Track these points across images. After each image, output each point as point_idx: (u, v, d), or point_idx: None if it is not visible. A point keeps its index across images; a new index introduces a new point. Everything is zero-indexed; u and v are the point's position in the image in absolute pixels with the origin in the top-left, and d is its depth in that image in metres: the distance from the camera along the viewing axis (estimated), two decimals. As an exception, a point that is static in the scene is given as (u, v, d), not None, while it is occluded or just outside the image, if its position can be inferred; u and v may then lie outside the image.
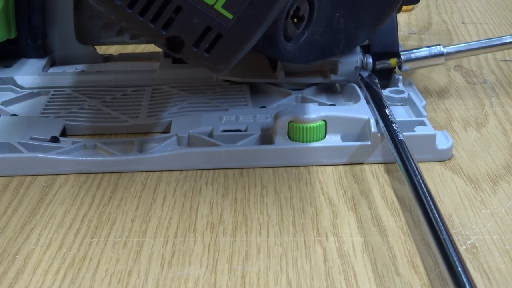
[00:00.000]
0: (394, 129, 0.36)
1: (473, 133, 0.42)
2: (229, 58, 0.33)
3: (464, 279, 0.25)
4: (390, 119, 0.37)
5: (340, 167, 0.39)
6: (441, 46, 0.45)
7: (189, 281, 0.29)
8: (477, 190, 0.36)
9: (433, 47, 0.45)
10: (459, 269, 0.26)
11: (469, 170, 0.38)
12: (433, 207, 0.30)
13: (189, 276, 0.30)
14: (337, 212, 0.34)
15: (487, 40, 0.47)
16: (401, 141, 0.35)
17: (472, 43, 0.47)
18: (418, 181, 0.32)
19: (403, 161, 0.34)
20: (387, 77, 0.47)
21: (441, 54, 0.45)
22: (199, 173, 0.38)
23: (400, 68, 0.46)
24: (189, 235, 0.32)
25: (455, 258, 0.27)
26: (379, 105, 0.39)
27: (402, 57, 0.45)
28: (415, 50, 0.46)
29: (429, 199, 0.30)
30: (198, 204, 0.35)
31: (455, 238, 0.31)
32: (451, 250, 0.27)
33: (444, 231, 0.28)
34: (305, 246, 0.31)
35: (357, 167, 0.39)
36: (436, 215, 0.29)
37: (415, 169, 0.33)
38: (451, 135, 0.41)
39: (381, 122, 0.38)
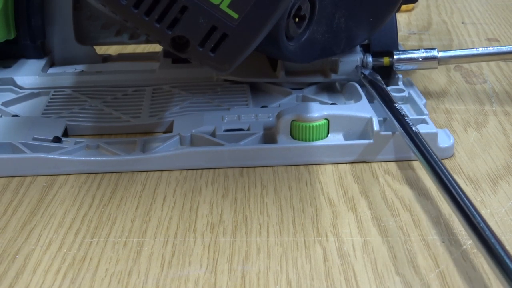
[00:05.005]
0: (407, 122, 0.37)
1: (473, 133, 0.42)
2: (234, 58, 0.33)
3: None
4: (402, 113, 0.38)
5: (340, 167, 0.39)
6: (436, 50, 0.45)
7: (189, 281, 0.29)
8: (477, 190, 0.36)
9: (428, 50, 0.45)
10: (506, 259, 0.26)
11: (469, 170, 0.38)
12: (461, 193, 0.30)
13: (189, 276, 0.30)
14: (337, 212, 0.34)
15: (484, 48, 0.46)
16: (416, 134, 0.35)
17: (469, 50, 0.46)
18: (441, 170, 0.32)
19: (422, 152, 0.34)
20: (386, 75, 0.47)
21: (434, 58, 0.45)
22: (199, 173, 0.38)
23: (392, 67, 0.46)
24: (189, 235, 0.32)
25: (496, 245, 0.26)
26: (387, 101, 0.40)
27: (395, 56, 0.45)
28: (409, 51, 0.46)
29: (456, 186, 0.30)
30: (198, 204, 0.35)
31: (455, 238, 0.31)
32: (488, 233, 0.27)
33: (476, 215, 0.28)
34: (305, 246, 0.31)
35: (357, 167, 0.39)
36: (466, 201, 0.29)
37: (436, 159, 0.33)
38: (451, 135, 0.41)
39: (392, 118, 0.38)
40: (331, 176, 0.38)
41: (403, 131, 0.37)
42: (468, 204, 0.29)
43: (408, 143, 0.36)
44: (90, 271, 0.30)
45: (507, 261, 0.25)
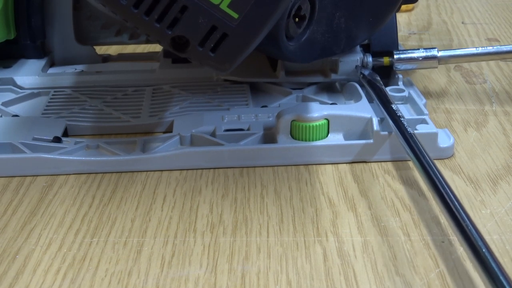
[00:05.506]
0: (403, 123, 0.37)
1: (473, 133, 0.42)
2: (234, 57, 0.33)
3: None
4: (398, 114, 0.38)
5: (340, 167, 0.39)
6: (436, 50, 0.45)
7: (189, 281, 0.29)
8: (477, 190, 0.36)
9: (428, 50, 0.45)
10: (497, 270, 0.25)
11: (469, 170, 0.38)
12: (452, 196, 0.30)
13: (189, 276, 0.30)
14: (337, 212, 0.34)
15: (484, 48, 0.46)
16: (411, 135, 0.35)
17: (469, 49, 0.46)
18: (434, 172, 0.32)
19: (416, 154, 0.34)
20: (387, 75, 0.47)
21: (434, 57, 0.45)
22: (199, 173, 0.38)
23: (392, 67, 0.46)
24: (189, 235, 0.32)
25: (486, 253, 0.26)
26: (384, 101, 0.40)
27: (394, 56, 0.45)
28: (409, 51, 0.46)
29: (447, 189, 0.30)
30: (198, 204, 0.35)
31: (455, 238, 0.31)
32: (477, 238, 0.27)
33: (466, 218, 0.28)
34: (305, 246, 0.31)
35: (357, 167, 0.39)
36: (456, 203, 0.29)
37: (429, 161, 0.33)
38: (451, 135, 0.41)
39: (388, 118, 0.38)
40: (331, 176, 0.38)
41: (398, 132, 0.37)
42: (458, 206, 0.29)
43: (402, 144, 0.36)
44: (90, 271, 0.30)
45: (494, 266, 0.25)
